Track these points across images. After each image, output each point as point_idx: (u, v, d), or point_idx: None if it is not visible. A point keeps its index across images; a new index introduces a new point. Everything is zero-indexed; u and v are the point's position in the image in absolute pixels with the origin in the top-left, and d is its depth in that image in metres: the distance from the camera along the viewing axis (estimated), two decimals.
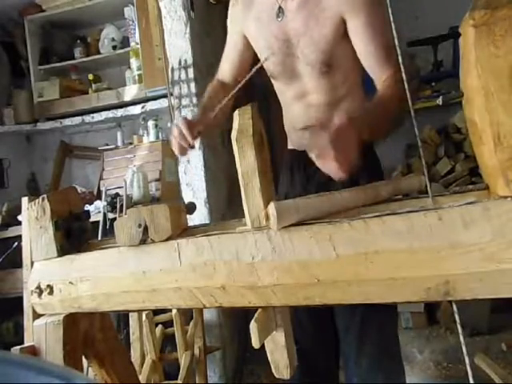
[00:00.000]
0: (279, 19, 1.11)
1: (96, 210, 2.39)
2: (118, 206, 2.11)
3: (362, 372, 1.18)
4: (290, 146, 1.31)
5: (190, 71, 2.08)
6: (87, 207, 2.42)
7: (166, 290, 0.74)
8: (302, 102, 1.18)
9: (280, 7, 1.10)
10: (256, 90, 1.95)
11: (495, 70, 0.56)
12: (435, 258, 0.57)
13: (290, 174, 1.27)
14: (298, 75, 1.15)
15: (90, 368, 0.93)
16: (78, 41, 2.86)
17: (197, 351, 1.82)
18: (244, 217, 0.70)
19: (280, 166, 1.34)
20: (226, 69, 1.28)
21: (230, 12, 1.25)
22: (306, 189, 1.18)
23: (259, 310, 0.71)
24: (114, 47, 2.75)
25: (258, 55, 1.20)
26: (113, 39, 2.76)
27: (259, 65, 1.02)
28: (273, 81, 1.24)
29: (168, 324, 1.79)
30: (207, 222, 2.03)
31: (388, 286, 0.60)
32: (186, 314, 1.86)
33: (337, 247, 0.62)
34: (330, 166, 0.74)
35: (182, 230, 0.81)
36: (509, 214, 0.54)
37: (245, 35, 1.20)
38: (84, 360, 0.89)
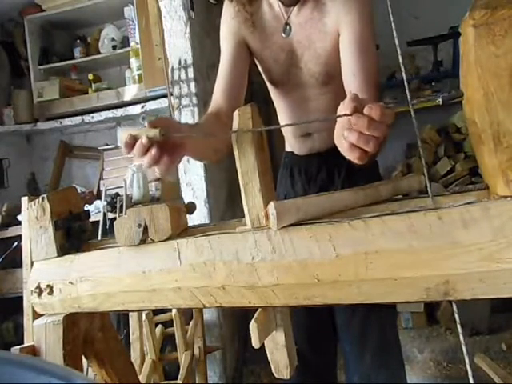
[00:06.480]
0: (285, 35, 1.12)
1: (96, 210, 2.39)
2: (117, 206, 2.10)
3: (364, 370, 1.18)
4: (288, 149, 1.31)
5: (190, 71, 2.08)
6: (87, 207, 2.42)
7: (165, 289, 0.73)
8: (302, 109, 1.19)
9: (287, 23, 1.11)
10: (256, 90, 1.95)
11: (495, 69, 0.56)
12: (435, 257, 0.57)
13: (289, 176, 1.27)
14: (301, 84, 1.16)
15: (89, 368, 0.93)
16: (78, 41, 2.86)
17: (197, 351, 1.82)
18: (244, 217, 0.70)
19: (279, 166, 1.34)
20: (221, 90, 1.11)
21: (227, 24, 1.15)
22: (307, 192, 1.19)
23: (259, 310, 0.71)
24: (114, 47, 2.75)
25: (258, 64, 1.20)
26: (113, 39, 2.76)
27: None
28: (271, 87, 1.24)
29: (168, 324, 1.79)
30: (207, 221, 2.03)
31: (388, 286, 0.60)
32: (186, 314, 1.86)
33: (337, 247, 0.62)
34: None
35: (182, 230, 0.81)
36: (509, 214, 0.54)
37: (246, 44, 1.16)
38: (84, 360, 0.89)
